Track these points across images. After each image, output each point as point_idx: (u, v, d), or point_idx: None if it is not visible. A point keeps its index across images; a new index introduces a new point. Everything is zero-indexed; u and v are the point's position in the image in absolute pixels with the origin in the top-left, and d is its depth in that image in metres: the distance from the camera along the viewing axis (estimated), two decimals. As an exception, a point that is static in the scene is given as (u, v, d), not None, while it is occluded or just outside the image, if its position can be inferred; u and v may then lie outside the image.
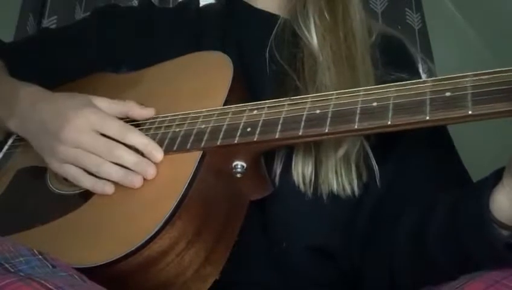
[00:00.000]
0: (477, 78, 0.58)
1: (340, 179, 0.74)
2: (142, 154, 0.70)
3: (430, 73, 0.89)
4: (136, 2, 1.48)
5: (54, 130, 0.71)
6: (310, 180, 0.74)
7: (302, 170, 0.74)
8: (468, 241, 0.59)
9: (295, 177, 0.74)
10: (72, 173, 0.71)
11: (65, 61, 0.94)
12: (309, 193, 0.74)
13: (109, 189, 0.69)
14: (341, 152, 0.73)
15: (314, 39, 0.79)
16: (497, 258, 0.56)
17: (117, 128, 0.71)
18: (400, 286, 0.71)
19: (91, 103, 0.74)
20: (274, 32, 0.84)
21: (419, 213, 0.69)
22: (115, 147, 0.69)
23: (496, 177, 0.59)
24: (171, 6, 1.50)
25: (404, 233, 0.70)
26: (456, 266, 0.60)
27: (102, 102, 0.74)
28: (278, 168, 0.75)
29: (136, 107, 0.76)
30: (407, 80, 0.63)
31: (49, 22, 1.43)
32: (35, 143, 0.75)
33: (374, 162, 0.76)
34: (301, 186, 0.74)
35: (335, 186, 0.74)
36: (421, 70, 0.86)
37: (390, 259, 0.71)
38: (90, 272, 0.58)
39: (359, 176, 0.75)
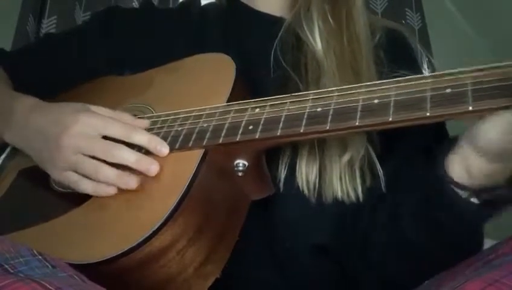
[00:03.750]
0: (477, 73, 0.58)
1: (344, 185, 0.73)
2: (147, 152, 0.70)
3: (432, 67, 0.89)
4: (137, 3, 1.48)
5: (54, 137, 0.70)
6: (314, 185, 0.74)
7: (306, 175, 0.74)
8: (434, 210, 0.62)
9: (299, 183, 0.74)
10: (73, 179, 0.70)
11: (67, 65, 0.94)
12: (313, 198, 0.74)
13: (112, 191, 0.68)
14: (346, 158, 0.73)
15: (318, 44, 0.78)
16: (462, 220, 0.59)
17: (120, 128, 0.70)
18: (393, 282, 0.72)
19: (88, 108, 0.73)
20: (279, 35, 0.83)
21: (392, 201, 0.71)
22: (115, 147, 0.69)
23: (450, 143, 0.62)
24: (171, 6, 1.50)
25: (379, 224, 0.72)
26: (433, 244, 0.62)
27: (98, 109, 0.74)
28: (282, 173, 0.75)
29: (130, 120, 0.75)
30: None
31: (49, 22, 1.42)
32: (34, 154, 0.74)
33: (378, 167, 0.75)
34: (305, 191, 0.74)
35: (339, 193, 0.73)
36: (425, 65, 0.86)
37: (371, 251, 0.73)
38: (92, 269, 0.58)
39: (363, 181, 0.75)
